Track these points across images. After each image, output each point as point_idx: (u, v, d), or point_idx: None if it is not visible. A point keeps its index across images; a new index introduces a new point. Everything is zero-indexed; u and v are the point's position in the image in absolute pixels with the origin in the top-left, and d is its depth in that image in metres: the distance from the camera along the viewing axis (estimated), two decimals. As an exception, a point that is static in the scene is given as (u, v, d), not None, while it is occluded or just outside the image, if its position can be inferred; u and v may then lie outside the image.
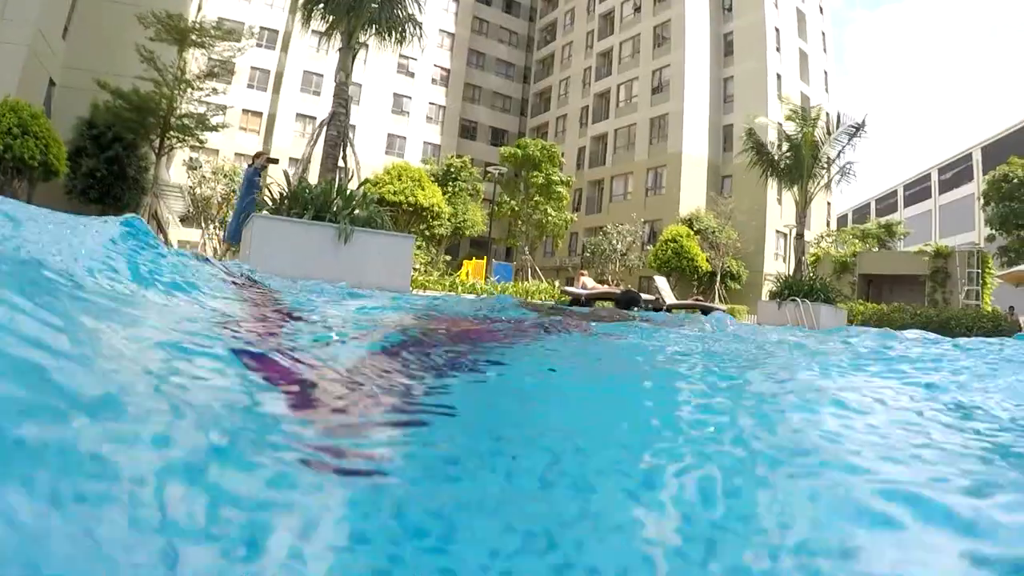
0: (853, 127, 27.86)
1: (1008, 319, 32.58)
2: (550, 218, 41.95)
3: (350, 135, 16.87)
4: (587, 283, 24.92)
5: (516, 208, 42.16)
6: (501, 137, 67.93)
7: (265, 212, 12.23)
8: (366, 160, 42.64)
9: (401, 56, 57.93)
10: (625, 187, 56.42)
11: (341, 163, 16.00)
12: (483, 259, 32.02)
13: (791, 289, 25.92)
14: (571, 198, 48.72)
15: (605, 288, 25.42)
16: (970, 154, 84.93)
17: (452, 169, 44.67)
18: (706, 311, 28.22)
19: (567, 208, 44.78)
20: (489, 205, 41.89)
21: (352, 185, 14.06)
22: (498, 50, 72.35)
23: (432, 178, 42.15)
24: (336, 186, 13.10)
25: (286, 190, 12.51)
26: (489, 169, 41.08)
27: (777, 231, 50.74)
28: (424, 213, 38.20)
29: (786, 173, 28.96)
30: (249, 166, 15.76)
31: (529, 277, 35.40)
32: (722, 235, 43.78)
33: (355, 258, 12.03)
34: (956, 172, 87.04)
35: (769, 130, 36.03)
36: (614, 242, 45.22)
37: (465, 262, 32.93)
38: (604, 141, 59.79)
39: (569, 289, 23.77)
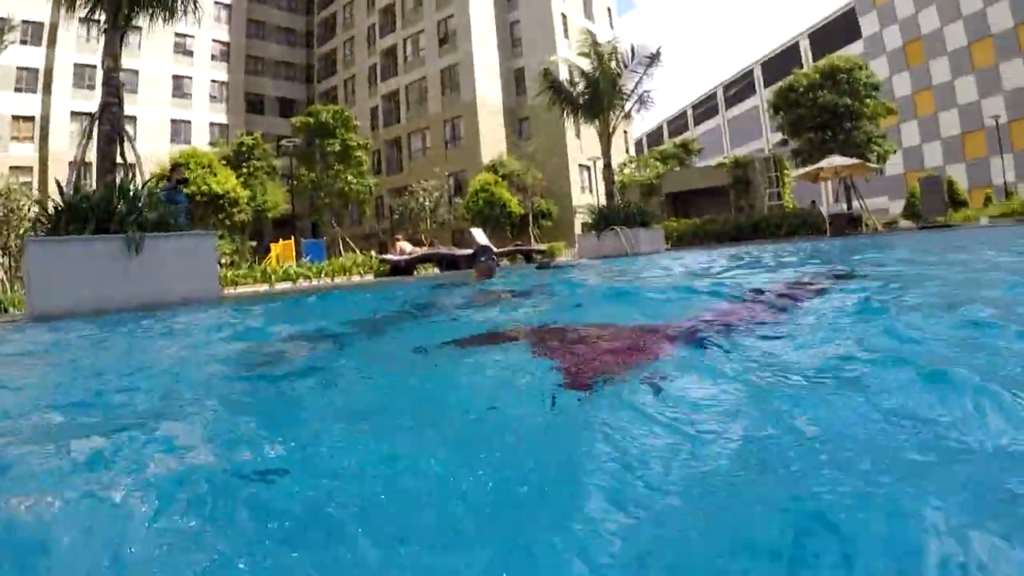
0: (648, 58, 28.70)
1: (813, 213, 34.78)
2: (352, 185, 40.41)
3: (127, 128, 15.07)
4: (404, 248, 24.11)
5: (316, 180, 40.37)
6: (290, 107, 64.68)
7: (36, 235, 10.66)
8: (150, 153, 40.18)
9: (177, 35, 54.97)
10: (424, 142, 55.48)
11: (120, 160, 14.11)
12: (290, 239, 30.35)
13: (607, 219, 26.09)
14: (370, 161, 47.28)
15: (424, 250, 24.61)
16: (752, 70, 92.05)
17: (244, 148, 42.06)
18: (528, 255, 28.15)
19: (368, 172, 43.34)
20: (288, 181, 39.90)
21: (137, 184, 12.49)
22: (277, 16, 69.04)
23: (224, 161, 39.89)
24: (118, 188, 11.47)
25: (60, 203, 10.80)
26: (283, 143, 39.20)
27: (580, 165, 51.47)
28: (221, 201, 36.21)
29: (586, 109, 29.20)
30: (166, 181, 14.72)
31: (341, 250, 33.95)
32: (527, 177, 43.93)
33: (150, 269, 10.54)
34: (740, 88, 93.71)
35: (561, 68, 36.34)
36: (421, 200, 44.43)
37: (272, 246, 31.05)
38: (396, 99, 58.44)
39: (387, 257, 22.82)
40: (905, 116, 51.36)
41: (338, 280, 20.64)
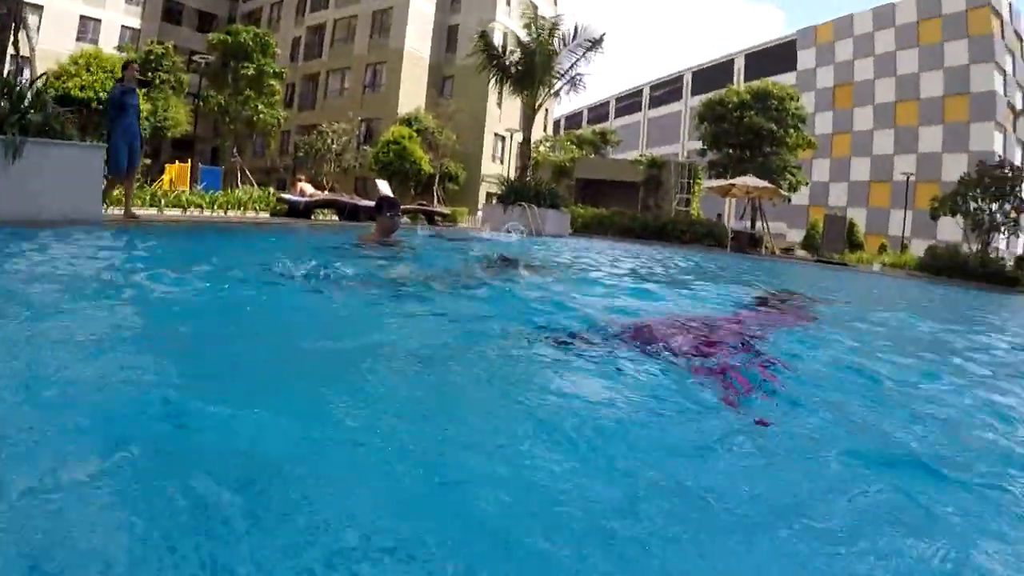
0: (590, 41, 28.36)
1: (718, 225, 35.55)
2: (261, 115, 38.54)
3: (25, 16, 13.52)
4: (305, 189, 23.03)
5: (224, 103, 38.31)
6: (210, 22, 60.34)
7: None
8: (53, 48, 37.70)
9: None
10: (342, 83, 53.86)
11: (12, 51, 12.61)
12: (187, 163, 28.68)
13: (517, 194, 25.68)
14: (284, 93, 45.39)
15: (326, 195, 23.62)
16: (682, 76, 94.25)
17: (152, 57, 39.27)
18: (430, 217, 27.42)
19: (279, 104, 41.44)
20: (194, 100, 37.75)
21: (25, 80, 11.16)
22: (208, -83, 64.45)
23: (129, 68, 37.45)
24: (2, 82, 10.17)
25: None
26: (195, 58, 37.07)
27: (496, 134, 50.97)
28: (118, 112, 34.12)
29: (517, 80, 28.65)
30: (117, 82, 13.26)
31: (239, 182, 32.32)
32: (441, 136, 43.06)
33: (26, 181, 9.29)
34: (667, 91, 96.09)
35: (497, 33, 35.69)
36: (329, 141, 43.01)
37: (168, 167, 29.25)
38: (322, 32, 56.16)
39: (286, 197, 21.64)
40: (820, 153, 53.30)
41: (231, 214, 19.53)
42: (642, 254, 18.35)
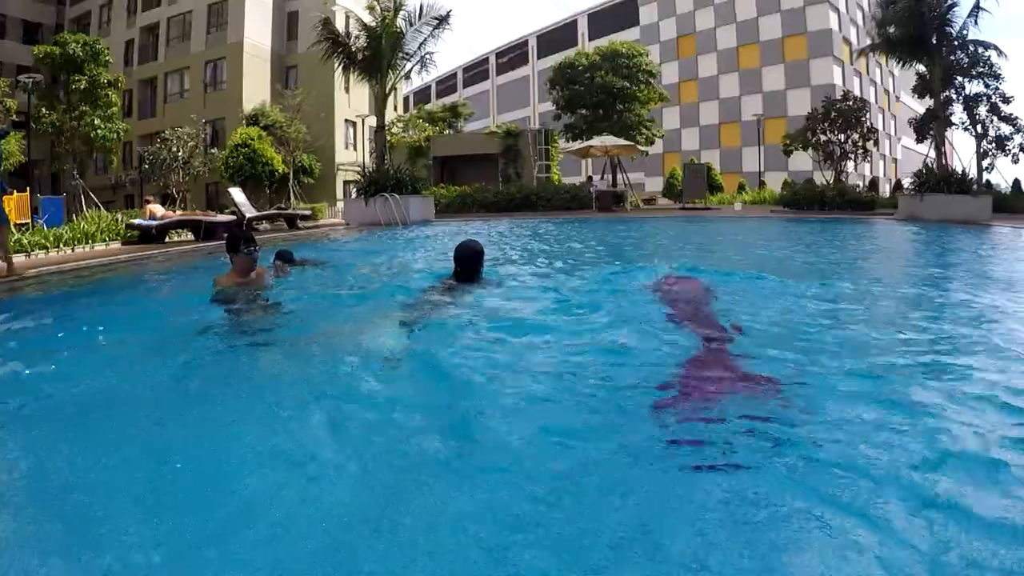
0: (437, 19, 27.96)
1: (586, 189, 35.85)
2: (99, 130, 36.43)
3: None
4: (155, 211, 22.11)
5: (58, 122, 36.01)
6: (35, 32, 54.99)
7: None
8: None
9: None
10: (181, 84, 51.65)
11: None
12: (26, 192, 26.89)
13: (377, 184, 25.16)
14: (121, 102, 43.12)
15: (179, 215, 22.69)
16: (527, 41, 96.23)
17: None
18: (291, 220, 26.73)
19: (118, 116, 39.27)
20: (24, 124, 35.09)
21: None
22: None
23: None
24: None
25: None
26: (22, 79, 34.61)
27: (346, 120, 50.34)
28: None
29: (365, 66, 27.93)
30: None
31: (83, 206, 30.51)
32: (291, 130, 41.89)
33: None
34: (513, 56, 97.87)
35: (339, 17, 34.90)
36: (174, 149, 41.20)
37: (6, 199, 27.30)
38: (156, 32, 53.40)
39: (137, 222, 20.65)
40: (669, 102, 54.51)
41: (80, 251, 18.41)
42: (524, 234, 18.13)
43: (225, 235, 7.89)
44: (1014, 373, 4.37)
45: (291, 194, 39.94)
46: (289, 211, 29.07)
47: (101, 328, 6.11)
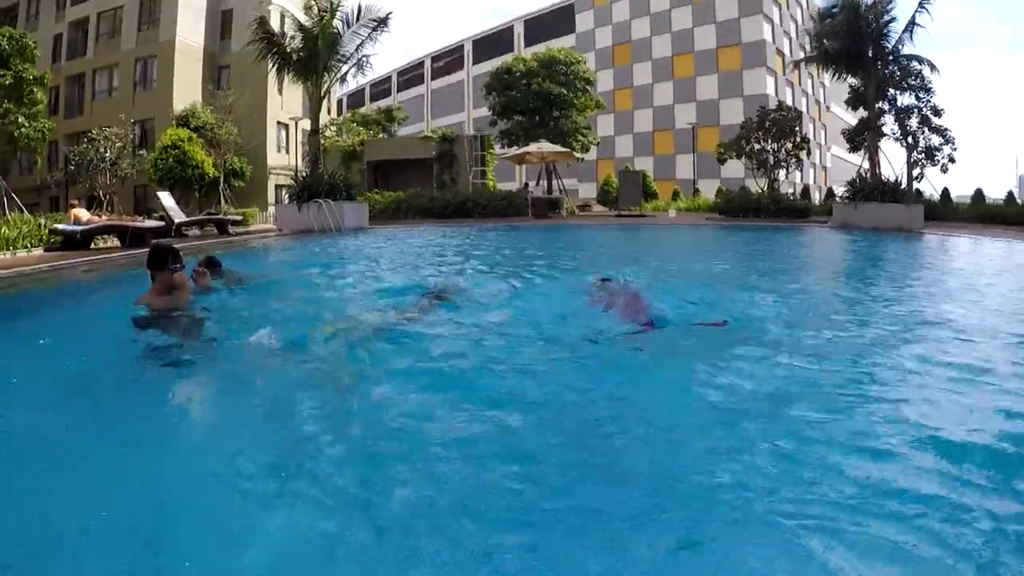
0: (375, 20, 27.74)
1: (522, 195, 35.98)
2: (23, 128, 35.18)
3: None
4: (80, 216, 21.66)
5: (-21, 122, 34.71)
6: None
7: None
8: None
9: None
10: (110, 82, 50.34)
11: None
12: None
13: (310, 190, 24.91)
14: (47, 100, 41.74)
15: (106, 221, 22.09)
16: (463, 45, 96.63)
17: None
18: (221, 225, 26.28)
19: (43, 114, 37.97)
20: None
21: None
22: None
23: None
24: None
25: None
26: (-58, 80, 33.17)
27: (279, 122, 49.83)
28: None
29: (300, 67, 27.51)
30: None
31: (6, 209, 29.53)
32: (222, 132, 41.05)
33: None
34: (449, 61, 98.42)
35: (275, 17, 34.36)
36: (102, 150, 40.02)
37: None
38: (86, 27, 51.64)
39: (61, 227, 20.06)
40: (604, 109, 54.93)
41: (1, 257, 17.78)
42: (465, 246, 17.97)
43: (150, 246, 7.08)
44: (935, 377, 4.76)
45: (222, 198, 39.15)
46: (219, 216, 28.51)
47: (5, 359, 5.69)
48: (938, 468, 3.17)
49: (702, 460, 3.38)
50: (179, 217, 25.27)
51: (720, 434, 3.69)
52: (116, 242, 20.78)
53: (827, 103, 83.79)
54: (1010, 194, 34.29)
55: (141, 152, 42.83)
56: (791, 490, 2.98)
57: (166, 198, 26.14)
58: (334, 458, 3.43)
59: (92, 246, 19.94)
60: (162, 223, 23.40)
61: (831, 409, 4.02)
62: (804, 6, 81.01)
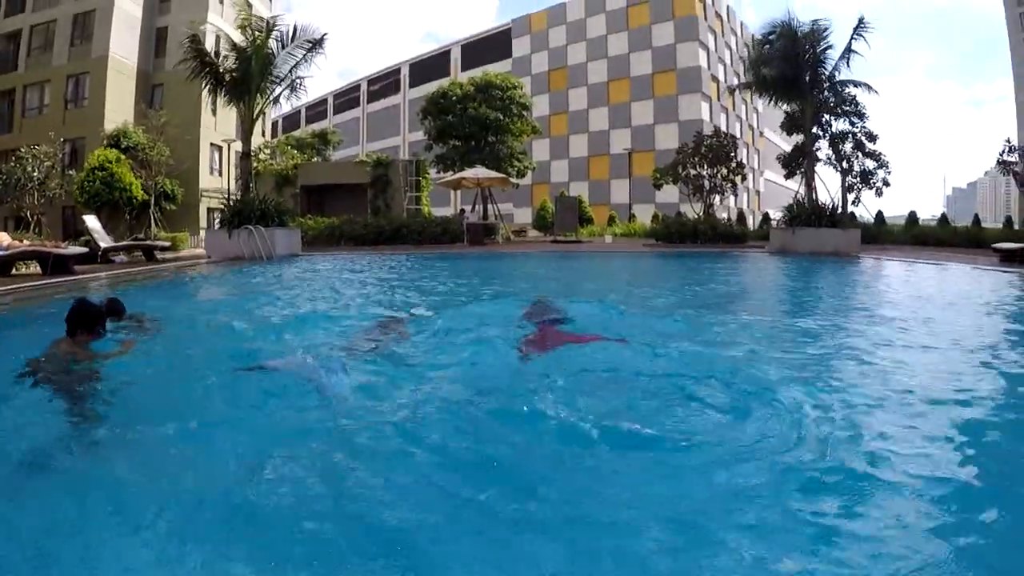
0: (311, 42, 27.54)
1: (458, 221, 35.85)
2: (-49, 148, 34.42)
3: None
4: (2, 240, 21.21)
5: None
6: None
7: None
8: None
9: None
10: (41, 99, 49.23)
11: None
12: None
13: (241, 215, 24.72)
14: (-25, 117, 40.79)
15: (27, 246, 21.64)
16: (399, 69, 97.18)
17: None
18: (149, 252, 25.92)
19: (-29, 132, 37.27)
20: None
21: None
22: None
23: None
24: None
25: None
26: None
27: (212, 144, 49.34)
28: None
29: (233, 88, 27.33)
30: None
31: (-72, 232, 28.83)
32: (154, 153, 40.33)
33: None
34: (385, 84, 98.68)
35: (209, 36, 33.99)
36: (30, 169, 39.17)
37: None
38: (18, 40, 50.53)
39: (-21, 253, 19.68)
40: (539, 134, 55.37)
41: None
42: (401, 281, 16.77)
43: (76, 304, 6.33)
44: (870, 393, 5.25)
45: (152, 222, 38.52)
46: (148, 242, 28.06)
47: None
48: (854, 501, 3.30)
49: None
50: (105, 242, 24.98)
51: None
52: (37, 268, 20.41)
53: (760, 128, 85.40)
54: (943, 216, 35.71)
55: (70, 172, 42.01)
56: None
57: (92, 221, 25.83)
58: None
59: (12, 273, 19.58)
60: (87, 248, 23.05)
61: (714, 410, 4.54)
62: (739, 34, 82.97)
